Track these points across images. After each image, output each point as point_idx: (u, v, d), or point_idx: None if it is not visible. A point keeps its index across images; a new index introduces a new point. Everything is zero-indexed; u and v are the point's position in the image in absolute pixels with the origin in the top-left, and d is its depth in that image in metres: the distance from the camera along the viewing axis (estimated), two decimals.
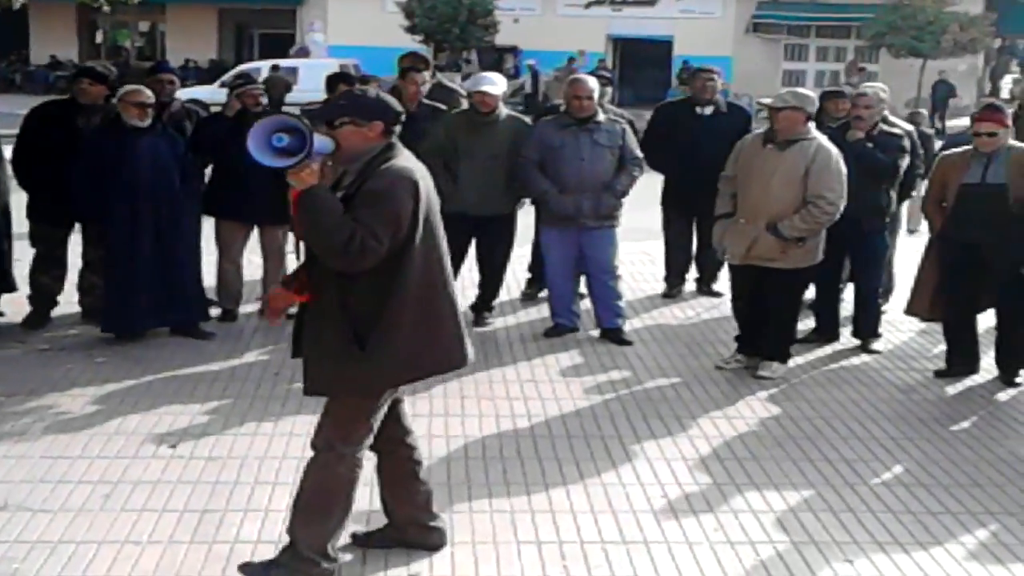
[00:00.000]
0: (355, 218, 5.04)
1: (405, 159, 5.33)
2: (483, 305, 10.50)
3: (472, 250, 10.34)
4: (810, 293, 9.98)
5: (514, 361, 9.35)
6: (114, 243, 9.45)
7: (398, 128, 5.42)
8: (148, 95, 9.48)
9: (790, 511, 6.57)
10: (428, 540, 5.92)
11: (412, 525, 5.90)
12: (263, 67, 36.24)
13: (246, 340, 9.83)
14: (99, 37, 51.51)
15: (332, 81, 11.13)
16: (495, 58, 43.06)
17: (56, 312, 10.13)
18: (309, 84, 32.68)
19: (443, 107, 10.59)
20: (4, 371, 8.70)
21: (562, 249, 10.02)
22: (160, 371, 8.83)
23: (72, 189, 9.32)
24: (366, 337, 5.19)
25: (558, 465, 7.09)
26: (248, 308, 10.61)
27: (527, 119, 10.32)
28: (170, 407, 7.98)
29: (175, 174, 9.51)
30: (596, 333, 10.06)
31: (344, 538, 5.73)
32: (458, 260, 10.37)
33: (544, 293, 10.87)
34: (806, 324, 10.22)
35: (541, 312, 10.64)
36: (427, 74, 11.06)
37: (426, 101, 10.63)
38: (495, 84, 10.08)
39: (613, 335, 9.98)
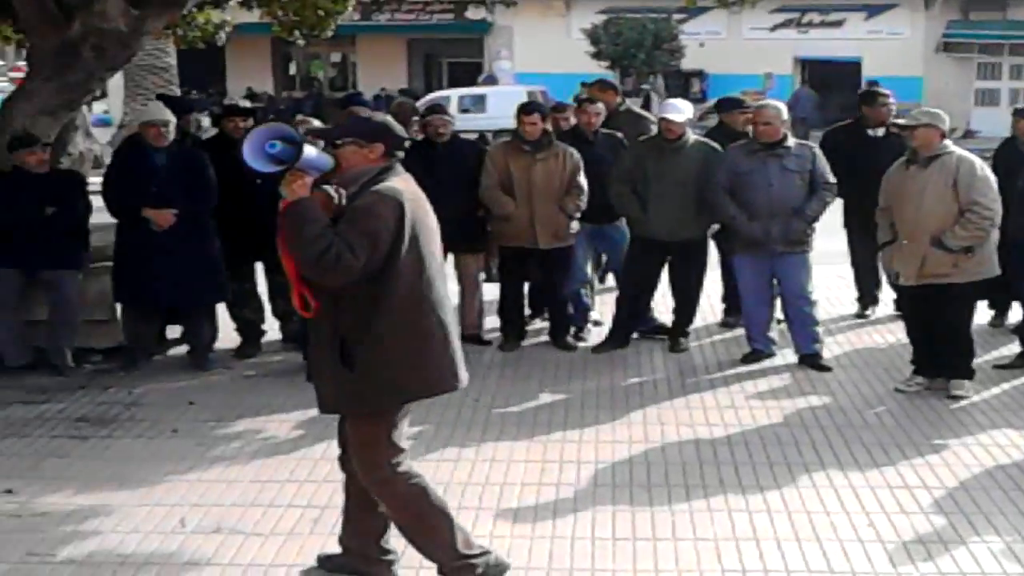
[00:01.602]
0: (336, 232, 5.14)
1: (400, 180, 5.44)
2: (678, 331, 10.46)
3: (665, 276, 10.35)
4: (1015, 316, 9.75)
5: (712, 387, 9.29)
6: None
7: (400, 152, 5.57)
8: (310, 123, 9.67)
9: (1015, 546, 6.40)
10: (373, 572, 5.84)
11: (357, 555, 5.87)
12: (452, 95, 36.68)
13: None
14: (293, 69, 52.63)
15: (343, 104, 11.23)
16: (681, 83, 42.85)
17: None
18: (497, 111, 32.98)
19: (619, 135, 10.64)
20: (212, 398, 8.95)
21: (755, 275, 9.95)
22: None
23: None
24: (354, 357, 5.26)
25: (761, 493, 7.02)
26: None
27: (716, 145, 10.27)
28: None
29: None
30: (794, 359, 9.95)
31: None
32: (650, 286, 10.39)
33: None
34: (1011, 349, 9.99)
35: (737, 338, 10.56)
36: (615, 103, 11.09)
37: (604, 131, 10.66)
38: (680, 111, 10.08)
39: (811, 360, 9.86)
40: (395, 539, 5.89)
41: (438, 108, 11.12)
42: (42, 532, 6.36)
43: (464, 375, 5.62)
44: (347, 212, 5.25)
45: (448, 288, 5.62)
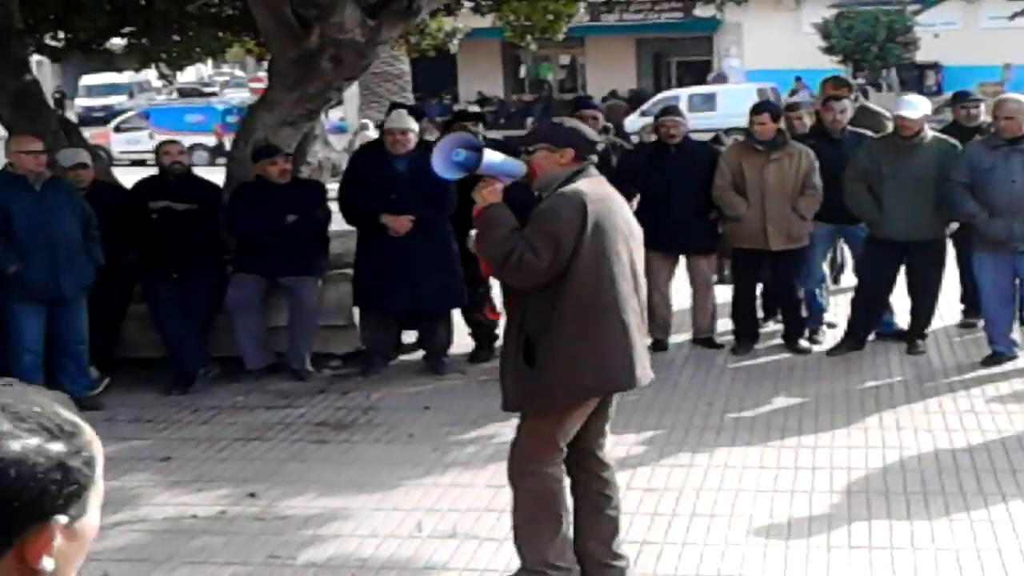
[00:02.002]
0: (522, 235, 5.31)
1: (589, 183, 5.49)
2: (916, 333, 10.21)
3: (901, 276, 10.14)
4: None
5: (951, 391, 9.05)
6: None
7: (592, 156, 5.64)
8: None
9: None
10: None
11: (589, 560, 5.77)
12: (682, 95, 36.57)
13: (677, 370, 9.92)
14: (522, 72, 53.16)
15: (573, 107, 11.19)
16: (915, 75, 41.90)
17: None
18: (727, 109, 32.78)
19: (868, 133, 10.39)
20: (448, 401, 9.09)
21: (996, 274, 9.65)
22: None
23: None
24: (534, 354, 5.39)
25: (1003, 503, 6.80)
26: (678, 338, 10.71)
27: (955, 141, 9.99)
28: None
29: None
30: None
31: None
32: (886, 287, 10.18)
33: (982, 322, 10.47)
34: None
35: (977, 339, 10.27)
36: (849, 98, 10.90)
37: (851, 128, 10.47)
38: (915, 107, 9.84)
39: None
40: (626, 544, 5.91)
41: (671, 110, 11.10)
42: (283, 535, 6.54)
43: (643, 374, 5.61)
44: (533, 214, 5.41)
45: (638, 287, 5.59)
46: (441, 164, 5.48)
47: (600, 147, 5.73)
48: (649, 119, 28.72)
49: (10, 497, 1.50)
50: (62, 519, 1.56)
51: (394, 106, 10.92)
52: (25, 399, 1.59)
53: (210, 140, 35.80)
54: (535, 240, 5.28)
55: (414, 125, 9.82)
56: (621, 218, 5.56)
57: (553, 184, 5.48)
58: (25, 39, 11.39)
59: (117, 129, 38.62)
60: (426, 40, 18.40)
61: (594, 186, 5.52)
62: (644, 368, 5.61)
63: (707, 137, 12.72)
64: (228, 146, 36.31)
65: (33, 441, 1.54)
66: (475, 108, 11.48)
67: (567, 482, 5.68)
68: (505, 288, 5.60)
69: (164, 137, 8.86)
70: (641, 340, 5.62)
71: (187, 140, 31.51)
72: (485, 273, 5.67)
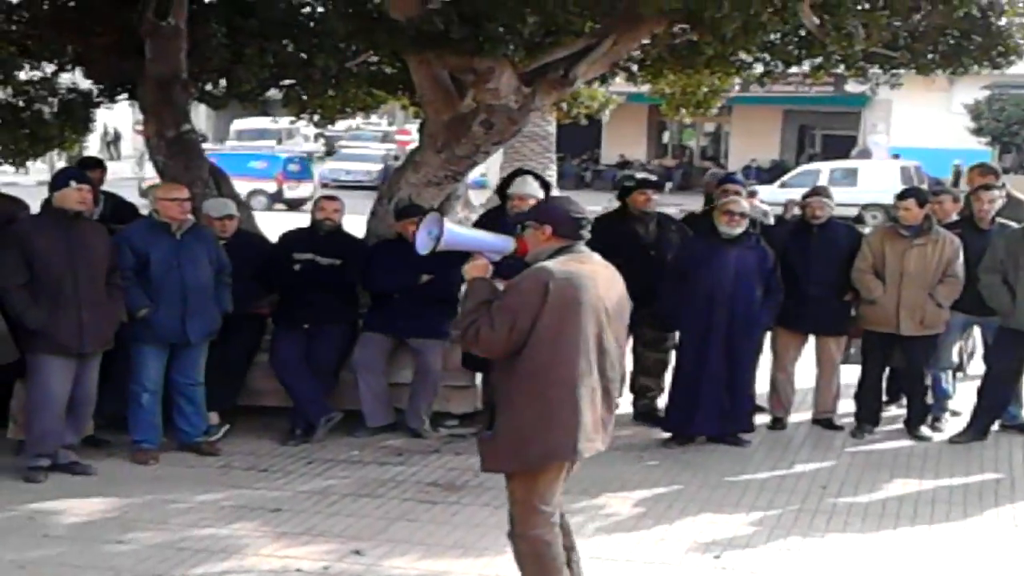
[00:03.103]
0: (488, 309, 5.57)
1: (565, 260, 5.64)
2: None
3: None
4: None
5: None
6: (686, 348, 9.79)
7: (578, 233, 5.77)
8: (742, 205, 9.75)
9: None
10: None
11: None
12: (823, 168, 36.32)
13: (794, 450, 9.84)
14: (666, 137, 53.21)
15: (719, 183, 11.15)
16: None
17: None
18: (869, 185, 32.47)
19: (1014, 224, 10.20)
20: None
21: None
22: (707, 477, 8.99)
23: (661, 296, 9.72)
24: (494, 420, 5.71)
25: None
26: (798, 417, 10.62)
27: None
28: (716, 515, 8.09)
29: (756, 287, 9.69)
30: None
31: None
32: (1015, 378, 10.01)
33: None
34: None
35: None
36: (998, 186, 10.76)
37: (1000, 220, 10.33)
38: None
39: None
40: None
41: (819, 190, 11.06)
42: None
43: (586, 447, 5.69)
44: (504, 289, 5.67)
45: (607, 362, 5.72)
46: (421, 241, 5.78)
47: (586, 224, 5.81)
48: (789, 191, 28.63)
49: None
50: None
51: (518, 172, 11.00)
52: None
53: (270, 187, 37.78)
54: (495, 314, 5.54)
55: (538, 192, 9.92)
56: (594, 295, 5.66)
57: (539, 259, 5.70)
58: (189, 88, 11.71)
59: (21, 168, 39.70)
60: (579, 108, 18.53)
61: (570, 263, 5.66)
62: (590, 442, 5.71)
63: (846, 212, 12.65)
64: (286, 192, 37.41)
65: None
66: (653, 178, 11.46)
67: (558, 543, 5.84)
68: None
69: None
70: (594, 414, 5.70)
71: (249, 186, 32.66)
72: None
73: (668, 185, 38.35)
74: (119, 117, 40.64)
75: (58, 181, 8.76)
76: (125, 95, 12.75)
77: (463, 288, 5.79)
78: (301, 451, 9.52)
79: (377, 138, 56.20)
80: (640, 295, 9.69)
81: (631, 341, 10.49)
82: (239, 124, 53.12)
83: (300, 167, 40.40)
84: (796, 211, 11.67)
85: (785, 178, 37.10)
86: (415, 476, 8.92)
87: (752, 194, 11.42)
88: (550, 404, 5.58)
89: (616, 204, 10.90)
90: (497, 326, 5.51)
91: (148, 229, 9.28)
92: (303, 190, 38.25)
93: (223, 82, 13.04)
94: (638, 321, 9.99)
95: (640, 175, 15.07)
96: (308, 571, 6.92)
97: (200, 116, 39.49)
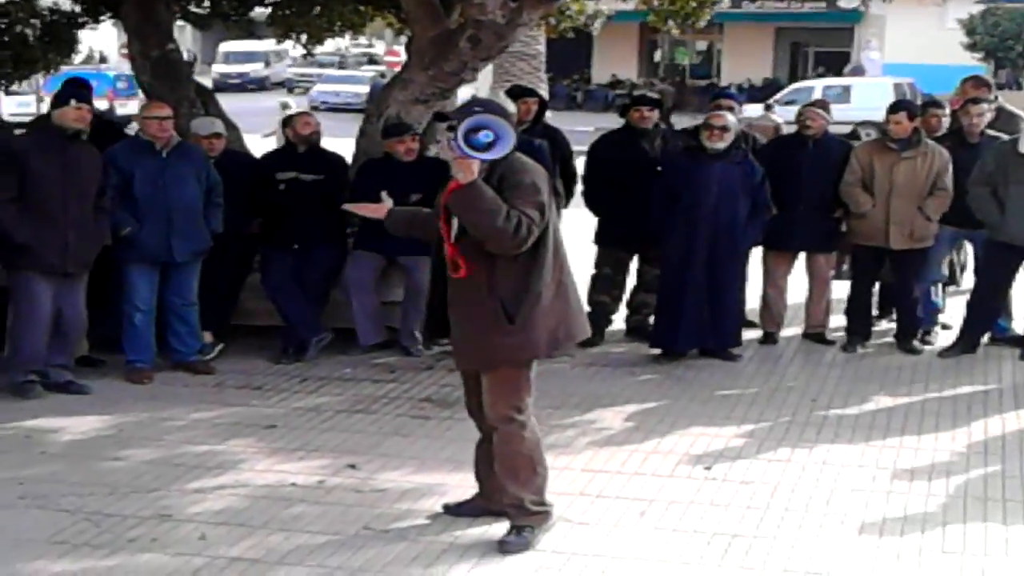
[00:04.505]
0: (513, 206, 5.68)
1: (524, 156, 5.99)
2: None
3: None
4: None
5: None
6: (669, 264, 9.79)
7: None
8: (725, 119, 9.71)
9: None
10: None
11: (498, 493, 6.27)
12: (816, 86, 36.18)
13: (784, 364, 9.90)
14: (657, 56, 52.96)
15: (713, 98, 11.24)
16: None
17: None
18: (862, 103, 32.37)
19: (1004, 137, 10.19)
20: (552, 385, 9.08)
21: None
22: (698, 391, 9.05)
23: (653, 211, 9.71)
24: (515, 312, 5.83)
25: None
26: (789, 332, 10.67)
27: None
28: (706, 428, 8.14)
29: (741, 203, 9.66)
30: None
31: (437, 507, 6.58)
32: (1003, 292, 10.06)
33: None
34: None
35: None
36: (989, 100, 10.72)
37: (990, 132, 10.29)
38: None
39: None
40: (717, 536, 5.91)
41: (817, 103, 11.02)
42: (379, 508, 6.64)
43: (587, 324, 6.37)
44: (512, 187, 5.76)
45: None
46: (463, 145, 5.68)
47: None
48: (785, 109, 28.49)
49: None
50: None
51: (515, 88, 10.97)
52: None
53: (102, 104, 36.42)
54: (529, 211, 5.71)
55: (512, 108, 9.88)
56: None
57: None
58: (172, 7, 11.63)
59: (7, 92, 39.54)
60: (566, 22, 18.43)
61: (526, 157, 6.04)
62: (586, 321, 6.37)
63: (840, 130, 12.61)
64: (118, 109, 37.17)
65: None
66: (654, 95, 11.44)
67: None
68: (459, 253, 5.90)
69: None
70: None
71: None
72: (446, 236, 5.94)
73: None
74: (104, 39, 40.33)
75: (59, 98, 8.75)
76: (108, 15, 12.66)
77: (463, 195, 5.72)
78: (294, 369, 9.56)
79: (361, 63, 55.92)
80: (646, 210, 9.80)
81: (635, 257, 10.54)
82: (226, 47, 52.90)
83: (128, 84, 40.00)
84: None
85: (777, 96, 37.00)
86: (408, 393, 8.97)
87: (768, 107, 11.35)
88: (565, 288, 6.02)
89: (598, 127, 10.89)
90: (538, 222, 5.74)
91: (132, 148, 9.28)
92: (132, 107, 37.85)
93: (207, 2, 12.96)
94: (642, 237, 10.09)
95: (638, 92, 14.96)
96: (303, 485, 6.97)
97: (186, 39, 39.24)
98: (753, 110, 27.88)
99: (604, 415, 8.44)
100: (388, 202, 6.68)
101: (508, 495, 6.19)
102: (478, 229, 5.74)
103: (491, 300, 5.85)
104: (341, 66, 52.64)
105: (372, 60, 57.69)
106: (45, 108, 11.11)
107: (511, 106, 9.87)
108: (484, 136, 5.69)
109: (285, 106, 24.22)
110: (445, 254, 5.99)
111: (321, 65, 51.29)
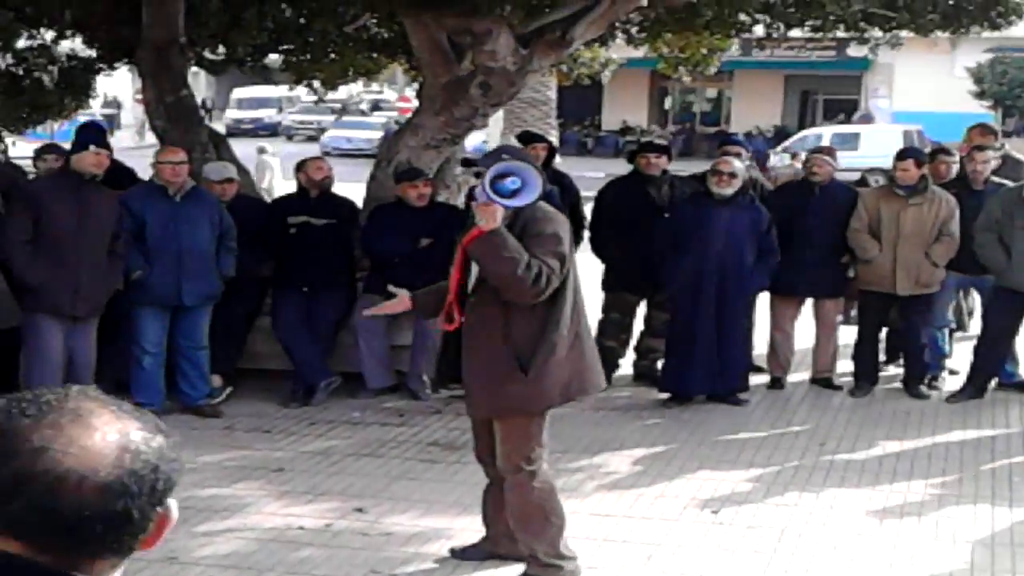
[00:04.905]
0: (534, 256, 5.64)
1: (548, 206, 6.03)
2: None
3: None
4: None
5: None
6: (677, 309, 9.84)
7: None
8: (732, 165, 9.77)
9: None
10: (517, 552, 6.29)
11: (505, 537, 6.33)
12: (824, 133, 36.29)
13: (793, 408, 9.92)
14: (668, 103, 53.12)
15: (720, 143, 11.25)
16: None
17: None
18: (870, 150, 32.41)
19: (1008, 183, 10.23)
20: (560, 429, 9.03)
21: None
22: (706, 436, 9.06)
23: (655, 257, 9.74)
24: (529, 362, 5.79)
25: None
26: (797, 376, 10.69)
27: None
28: (714, 472, 8.16)
29: (748, 248, 9.71)
30: None
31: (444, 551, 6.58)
32: (1010, 337, 10.08)
33: None
34: None
35: None
36: (995, 147, 10.80)
37: (994, 179, 10.34)
38: None
39: None
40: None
41: (823, 149, 11.09)
42: (385, 551, 6.66)
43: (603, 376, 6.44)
44: (533, 236, 5.74)
45: None
46: (490, 191, 5.65)
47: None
48: (788, 158, 28.59)
49: (165, 480, 1.70)
50: (173, 502, 1.73)
51: (526, 134, 11.07)
52: (124, 404, 1.74)
53: None
54: (551, 262, 5.69)
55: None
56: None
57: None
58: (186, 53, 11.74)
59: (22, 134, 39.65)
60: (579, 69, 18.56)
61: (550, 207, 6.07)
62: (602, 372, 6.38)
63: (847, 177, 12.67)
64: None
65: (161, 438, 1.72)
66: (661, 141, 11.50)
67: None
68: (478, 301, 5.90)
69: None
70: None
71: None
72: (453, 286, 5.99)
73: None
74: (119, 86, 40.59)
75: (78, 143, 8.85)
76: (124, 61, 12.78)
77: (485, 242, 5.70)
78: (303, 413, 9.59)
79: (363, 110, 55.76)
80: (653, 256, 9.85)
81: (643, 303, 10.59)
82: (239, 92, 53.15)
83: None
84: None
85: (787, 143, 37.12)
86: (416, 436, 9.00)
87: (828, 151, 11.37)
88: (582, 340, 6.01)
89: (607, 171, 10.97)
90: (558, 272, 5.73)
91: (146, 192, 9.38)
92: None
93: (222, 48, 13.08)
94: (650, 283, 10.13)
95: (647, 139, 15.09)
96: (311, 529, 7.00)
97: (200, 84, 39.45)
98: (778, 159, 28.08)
99: (612, 459, 8.46)
100: (403, 293, 6.69)
101: (522, 544, 6.21)
102: (497, 277, 5.72)
103: (505, 349, 5.83)
104: (343, 113, 52.42)
105: (376, 106, 57.54)
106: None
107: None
108: (511, 183, 5.67)
109: (262, 150, 24.34)
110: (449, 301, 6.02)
111: (321, 113, 51.26)
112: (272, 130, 53.54)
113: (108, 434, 1.66)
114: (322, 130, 50.53)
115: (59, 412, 1.66)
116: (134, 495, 1.64)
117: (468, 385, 6.15)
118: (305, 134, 52.34)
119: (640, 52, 16.16)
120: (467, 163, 7.75)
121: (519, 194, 5.68)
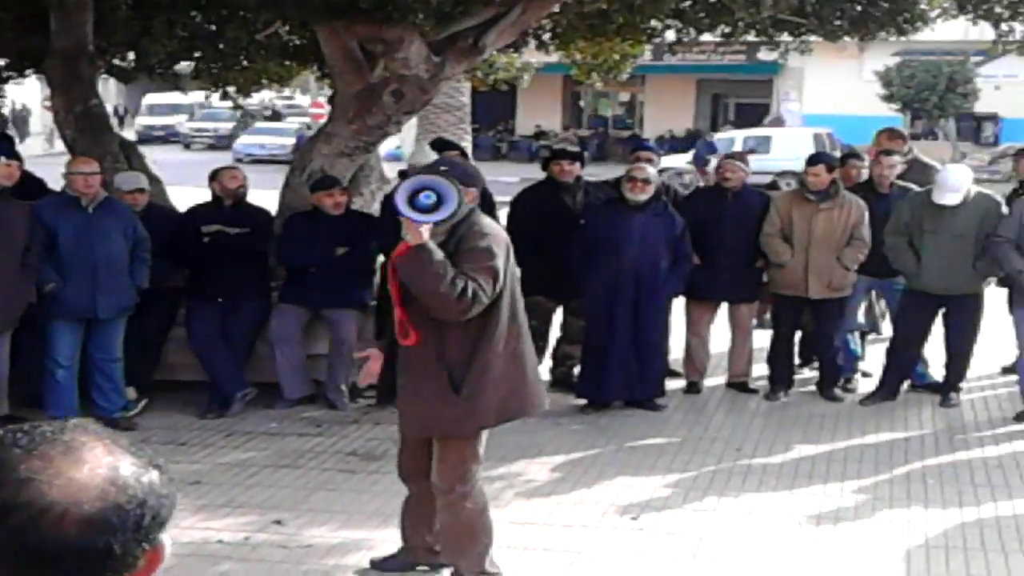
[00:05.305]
0: (462, 272, 5.53)
1: (489, 220, 5.96)
2: (949, 386, 10.22)
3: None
4: None
5: (981, 446, 9.06)
6: (593, 315, 9.86)
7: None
8: (647, 172, 9.81)
9: None
10: (435, 561, 6.40)
11: (422, 549, 6.39)
12: (737, 136, 36.57)
13: (709, 413, 9.98)
14: (581, 107, 53.30)
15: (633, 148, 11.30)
16: (973, 126, 41.82)
17: None
18: (782, 153, 32.77)
19: (913, 187, 10.37)
20: None
21: None
22: (624, 441, 9.09)
23: (570, 264, 9.75)
24: (461, 382, 5.70)
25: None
26: (713, 381, 10.76)
27: (998, 198, 10.02)
28: (632, 478, 8.19)
29: (662, 254, 9.75)
30: None
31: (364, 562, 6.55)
32: (921, 339, 10.20)
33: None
34: None
35: (1012, 394, 10.24)
36: (902, 151, 10.95)
37: (899, 183, 10.47)
38: (957, 190, 9.66)
39: None
40: None
41: (735, 155, 11.16)
42: (305, 564, 6.62)
43: (546, 396, 6.29)
44: (465, 252, 5.64)
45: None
46: (404, 203, 5.54)
47: None
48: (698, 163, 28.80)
49: (153, 515, 1.66)
50: (166, 538, 1.70)
51: (438, 142, 11.07)
52: (120, 438, 1.71)
53: None
54: (481, 278, 5.58)
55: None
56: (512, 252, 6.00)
57: (452, 221, 5.69)
58: (96, 62, 11.60)
59: None
60: (496, 74, 18.59)
61: (492, 220, 6.04)
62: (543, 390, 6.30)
63: (760, 180, 12.81)
64: None
65: (154, 474, 1.70)
66: (575, 148, 11.54)
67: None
68: (407, 319, 5.76)
69: None
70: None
71: None
72: (397, 302, 5.81)
73: (585, 154, 38.34)
74: (27, 93, 40.08)
75: None
76: (32, 70, 12.62)
77: (411, 258, 5.59)
78: (219, 424, 9.51)
79: (265, 116, 54.45)
80: (569, 262, 9.86)
81: (559, 309, 10.61)
82: (151, 99, 52.63)
83: None
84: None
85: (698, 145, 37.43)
86: (334, 446, 8.95)
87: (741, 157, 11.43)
88: (521, 358, 5.89)
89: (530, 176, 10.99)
90: (488, 289, 5.60)
91: (58, 203, 9.24)
92: None
93: (132, 55, 12.95)
94: (566, 290, 10.15)
95: (559, 145, 15.12)
96: (229, 542, 6.94)
97: (110, 90, 39.06)
98: (678, 160, 28.18)
99: (530, 466, 8.47)
100: (372, 351, 6.52)
101: (449, 560, 6.21)
102: (422, 293, 5.60)
103: (439, 368, 5.72)
104: (241, 121, 51.34)
105: (276, 114, 56.14)
106: None
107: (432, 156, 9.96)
108: (425, 198, 5.54)
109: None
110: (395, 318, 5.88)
111: (220, 120, 50.14)
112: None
113: (96, 467, 1.64)
114: (220, 138, 49.71)
115: (51, 444, 1.65)
116: (117, 530, 1.62)
117: (401, 403, 6.02)
118: (203, 142, 50.80)
119: (554, 57, 16.24)
120: (403, 175, 7.71)
121: (438, 208, 5.56)
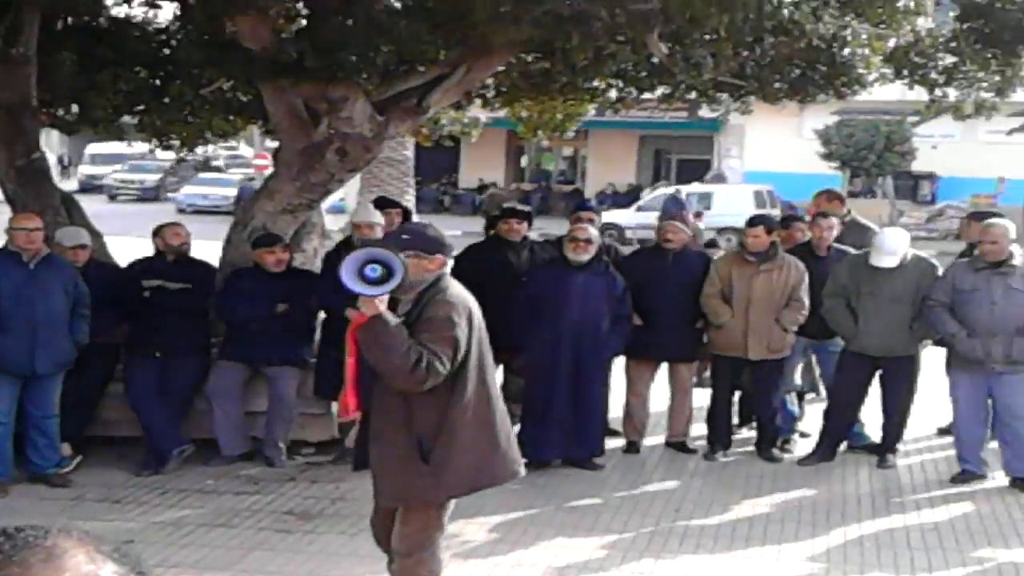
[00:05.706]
0: (419, 343, 5.51)
1: (457, 288, 5.85)
2: (887, 447, 10.29)
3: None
4: None
5: (917, 508, 9.12)
6: (533, 374, 9.88)
7: (450, 263, 6.04)
8: (588, 232, 9.85)
9: None
10: None
11: None
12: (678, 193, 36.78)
13: (648, 473, 10.00)
14: (524, 161, 53.49)
15: (576, 208, 11.39)
16: (911, 185, 42.32)
17: None
18: (723, 209, 33.04)
19: (851, 250, 10.48)
20: None
21: (971, 393, 9.75)
22: (563, 501, 9.09)
23: (512, 322, 9.75)
24: (429, 452, 5.68)
25: None
26: (652, 440, 10.79)
27: (935, 261, 10.16)
28: (571, 539, 8.18)
29: (604, 313, 9.80)
30: (1005, 481, 9.68)
31: None
32: (858, 400, 10.28)
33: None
34: None
35: (948, 457, 10.32)
36: (840, 213, 11.08)
37: (837, 246, 10.59)
38: (894, 254, 9.80)
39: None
40: None
41: (676, 216, 11.23)
42: None
43: (521, 463, 6.14)
44: (424, 322, 5.62)
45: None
46: (351, 279, 5.52)
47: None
48: (645, 215, 28.98)
49: None
50: None
51: (381, 200, 11.10)
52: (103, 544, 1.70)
53: None
54: (438, 348, 5.54)
55: (379, 219, 9.98)
56: (482, 320, 5.95)
57: (418, 288, 5.71)
58: (38, 115, 11.55)
59: None
60: (442, 130, 18.65)
61: (461, 288, 5.88)
62: (519, 457, 6.16)
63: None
64: None
65: None
66: (525, 208, 11.58)
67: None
68: (376, 390, 5.78)
69: None
70: (511, 431, 6.15)
71: None
72: (351, 375, 5.87)
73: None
74: None
75: None
76: None
77: (366, 329, 5.58)
78: (155, 481, 9.42)
79: (197, 167, 53.37)
80: (511, 321, 9.87)
81: (500, 368, 10.60)
82: (93, 148, 52.29)
83: None
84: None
85: (641, 202, 37.63)
86: (271, 505, 8.89)
87: (698, 215, 11.58)
88: (492, 426, 5.84)
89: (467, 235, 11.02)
90: (445, 360, 5.55)
91: None
92: None
93: (76, 107, 12.90)
94: (508, 348, 10.15)
95: (508, 204, 15.19)
96: None
97: (54, 141, 38.79)
98: (621, 216, 28.21)
99: (467, 527, 8.42)
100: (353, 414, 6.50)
101: None
102: (376, 364, 5.58)
103: (407, 437, 5.71)
104: (171, 173, 49.91)
105: (207, 164, 55.00)
106: None
107: (378, 216, 9.98)
108: (371, 271, 5.54)
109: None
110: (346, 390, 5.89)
111: (147, 171, 49.40)
112: None
113: (75, 575, 1.61)
114: (147, 189, 48.85)
115: (32, 550, 1.62)
116: None
117: (373, 470, 6.01)
118: (131, 194, 49.52)
119: (499, 113, 16.33)
120: (347, 243, 7.56)
121: (389, 279, 5.52)
